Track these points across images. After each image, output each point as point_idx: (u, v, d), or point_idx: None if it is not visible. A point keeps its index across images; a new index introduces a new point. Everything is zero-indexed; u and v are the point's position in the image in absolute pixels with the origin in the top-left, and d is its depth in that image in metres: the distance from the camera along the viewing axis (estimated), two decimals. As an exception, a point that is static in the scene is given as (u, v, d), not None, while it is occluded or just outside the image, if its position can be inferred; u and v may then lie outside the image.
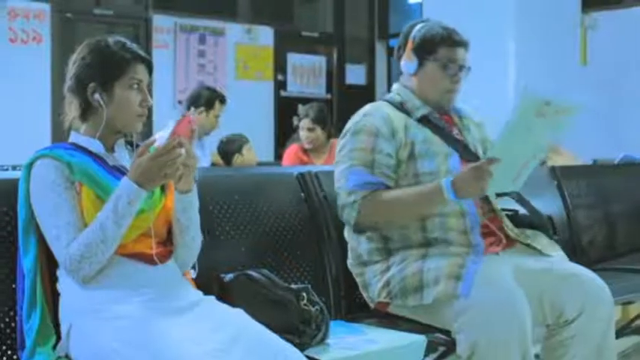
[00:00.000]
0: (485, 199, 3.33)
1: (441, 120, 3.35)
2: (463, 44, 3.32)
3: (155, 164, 2.43)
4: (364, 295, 3.31)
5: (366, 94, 10.92)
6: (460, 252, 3.14)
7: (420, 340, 3.03)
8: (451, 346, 3.10)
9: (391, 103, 3.36)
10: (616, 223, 5.57)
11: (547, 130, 3.01)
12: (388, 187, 3.18)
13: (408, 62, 3.35)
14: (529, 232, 3.44)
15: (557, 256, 3.39)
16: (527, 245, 3.35)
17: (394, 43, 12.46)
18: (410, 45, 3.34)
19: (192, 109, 5.70)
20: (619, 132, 8.81)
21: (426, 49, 3.30)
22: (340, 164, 3.26)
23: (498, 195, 3.41)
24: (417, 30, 3.34)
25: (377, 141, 3.20)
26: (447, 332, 3.08)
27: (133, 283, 2.52)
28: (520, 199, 3.53)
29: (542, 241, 3.41)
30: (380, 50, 11.28)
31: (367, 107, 3.36)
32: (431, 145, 3.25)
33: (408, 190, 3.17)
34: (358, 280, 3.33)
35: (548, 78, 7.12)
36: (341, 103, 10.54)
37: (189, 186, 2.61)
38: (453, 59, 3.30)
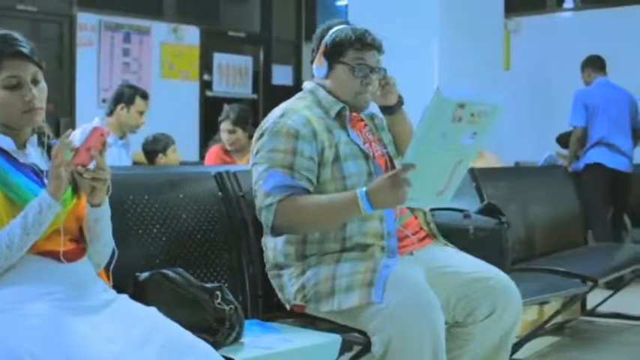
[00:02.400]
0: None
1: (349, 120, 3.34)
2: (374, 47, 3.32)
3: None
4: (280, 296, 3.31)
5: (292, 94, 10.87)
6: (375, 255, 3.16)
7: (336, 339, 3.05)
8: (367, 344, 3.11)
9: (308, 100, 3.35)
10: (534, 225, 5.66)
11: (467, 135, 2.86)
12: (307, 191, 3.15)
13: (318, 66, 3.37)
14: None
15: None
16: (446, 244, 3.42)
17: (321, 44, 12.27)
18: (322, 49, 3.34)
19: (97, 118, 5.65)
20: (541, 135, 8.94)
21: (335, 52, 3.31)
22: (258, 165, 3.21)
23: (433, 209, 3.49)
24: (329, 34, 3.34)
25: (297, 143, 3.16)
26: (363, 332, 3.09)
27: (44, 281, 2.49)
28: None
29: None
30: (307, 51, 11.29)
31: (283, 107, 3.33)
32: (353, 145, 3.26)
33: (325, 197, 3.14)
34: (274, 281, 3.32)
35: (472, 81, 7.19)
36: (267, 104, 10.49)
37: (101, 199, 2.60)
38: (362, 61, 3.30)
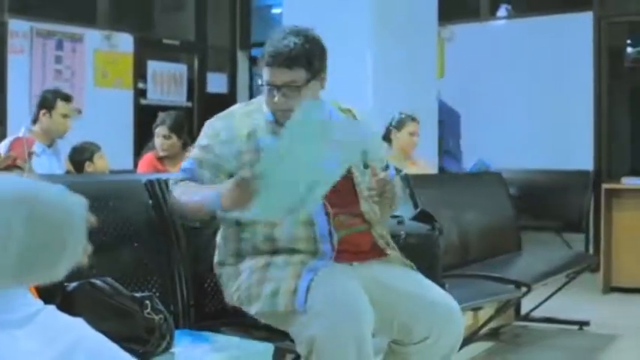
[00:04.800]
0: (361, 214, 3.30)
1: None
2: (282, 64, 3.13)
3: None
4: (224, 293, 3.31)
5: (227, 102, 10.86)
6: (304, 259, 3.13)
7: (268, 347, 3.04)
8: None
9: (255, 105, 3.37)
10: (468, 231, 5.70)
11: (331, 159, 2.81)
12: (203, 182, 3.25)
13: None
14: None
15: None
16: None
17: (256, 52, 12.43)
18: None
19: (23, 128, 5.59)
20: (473, 142, 9.02)
21: (260, 69, 3.27)
22: None
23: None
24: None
25: (214, 143, 3.26)
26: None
27: (-34, 293, 2.44)
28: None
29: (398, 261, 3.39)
30: (242, 59, 11.26)
31: (227, 110, 3.38)
32: None
33: (201, 188, 3.18)
34: (220, 280, 3.33)
35: (407, 89, 7.23)
36: (202, 112, 10.45)
37: None
38: (268, 80, 3.19)
